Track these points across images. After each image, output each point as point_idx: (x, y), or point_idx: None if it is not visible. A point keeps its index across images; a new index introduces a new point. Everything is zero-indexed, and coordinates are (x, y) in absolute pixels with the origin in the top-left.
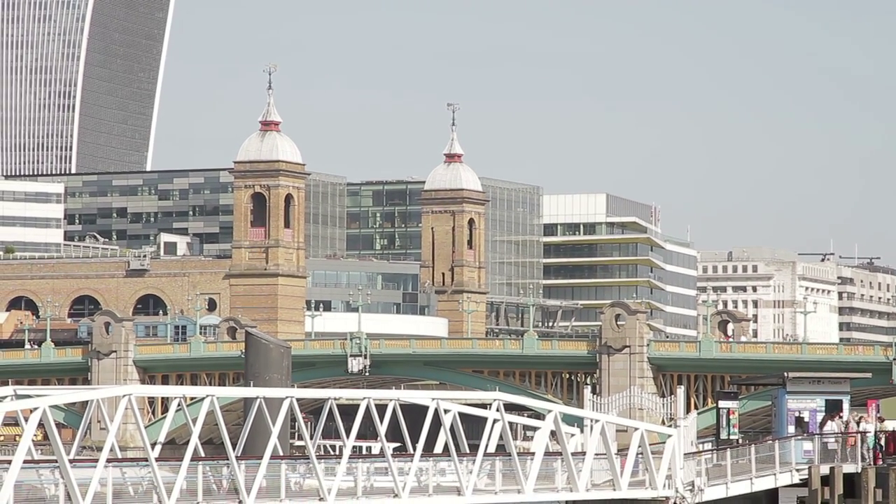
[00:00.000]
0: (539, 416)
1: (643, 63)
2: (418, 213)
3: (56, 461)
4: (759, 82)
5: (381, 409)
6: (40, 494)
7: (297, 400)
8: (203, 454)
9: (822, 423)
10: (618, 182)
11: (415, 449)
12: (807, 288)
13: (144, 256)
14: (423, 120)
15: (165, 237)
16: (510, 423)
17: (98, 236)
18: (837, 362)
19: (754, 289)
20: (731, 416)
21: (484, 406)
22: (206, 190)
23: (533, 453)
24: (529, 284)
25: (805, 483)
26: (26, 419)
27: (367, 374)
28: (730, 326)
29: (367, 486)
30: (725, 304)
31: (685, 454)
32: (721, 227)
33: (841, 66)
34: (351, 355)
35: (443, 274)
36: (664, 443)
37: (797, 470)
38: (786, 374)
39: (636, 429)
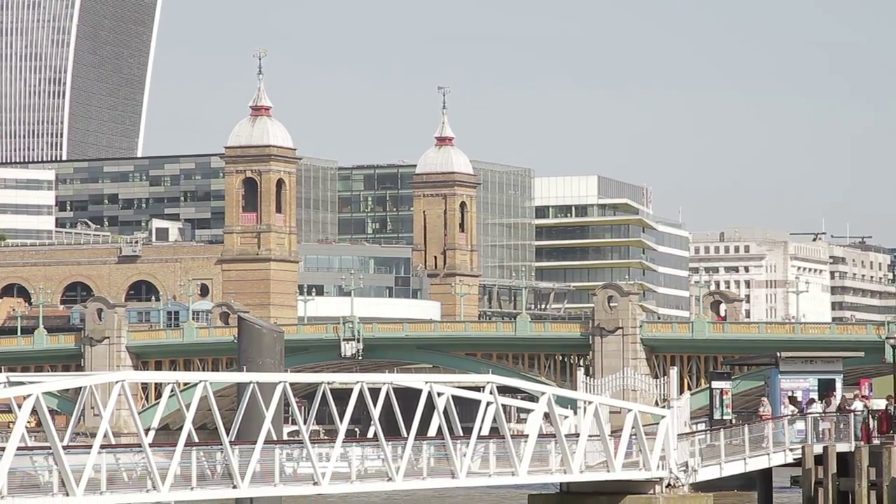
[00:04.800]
0: (532, 398)
1: (634, 44)
2: (410, 196)
3: (50, 448)
4: (749, 62)
5: (375, 392)
6: (34, 481)
7: (291, 384)
8: (197, 440)
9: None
10: (609, 164)
11: (408, 432)
12: (799, 268)
13: (136, 242)
14: (414, 103)
15: (157, 223)
16: (503, 406)
17: (90, 223)
18: (830, 342)
19: (746, 269)
20: (724, 397)
21: (477, 389)
22: (198, 175)
23: (526, 436)
24: (521, 267)
25: (799, 463)
26: (19, 406)
27: (360, 357)
28: (722, 307)
29: (361, 469)
30: (718, 284)
31: (679, 435)
32: (713, 207)
33: (832, 45)
34: (344, 339)
35: (435, 257)
36: (658, 424)
37: (791, 450)
38: (778, 353)
39: (629, 410)
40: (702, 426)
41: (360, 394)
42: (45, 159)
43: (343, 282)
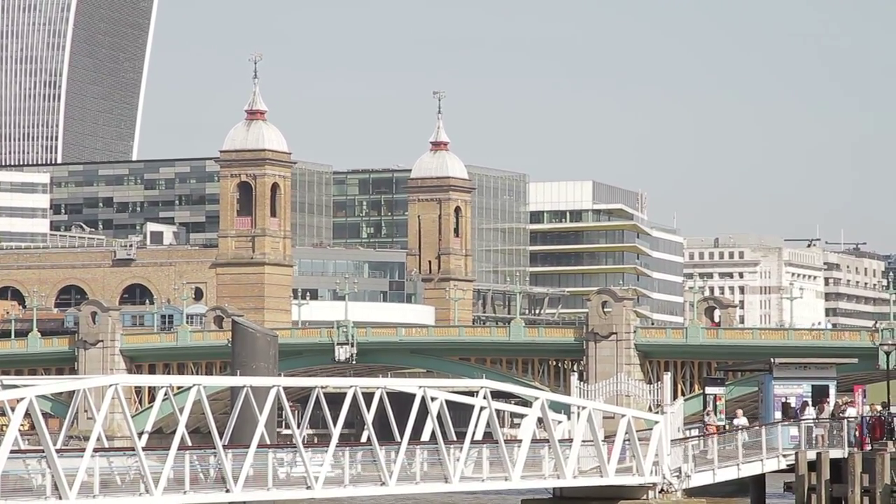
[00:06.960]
0: (526, 403)
1: (629, 50)
2: (404, 201)
3: (43, 451)
4: (745, 68)
5: (368, 397)
6: (27, 484)
7: (284, 389)
8: (190, 443)
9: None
10: (604, 169)
11: (402, 437)
12: (793, 274)
13: (131, 246)
14: (409, 108)
15: (152, 226)
16: (497, 411)
17: (84, 226)
18: (824, 348)
19: (741, 275)
20: (717, 403)
21: (471, 394)
22: (193, 179)
23: (520, 440)
24: (516, 272)
25: (792, 469)
26: (13, 409)
27: (353, 362)
28: (716, 313)
29: (355, 474)
30: (712, 290)
31: (672, 440)
32: (707, 213)
33: (829, 51)
34: (338, 344)
35: (429, 262)
36: (651, 429)
37: (784, 456)
38: (772, 359)
39: (623, 415)
40: (695, 432)
41: (354, 398)
42: (39, 162)
43: (337, 286)
